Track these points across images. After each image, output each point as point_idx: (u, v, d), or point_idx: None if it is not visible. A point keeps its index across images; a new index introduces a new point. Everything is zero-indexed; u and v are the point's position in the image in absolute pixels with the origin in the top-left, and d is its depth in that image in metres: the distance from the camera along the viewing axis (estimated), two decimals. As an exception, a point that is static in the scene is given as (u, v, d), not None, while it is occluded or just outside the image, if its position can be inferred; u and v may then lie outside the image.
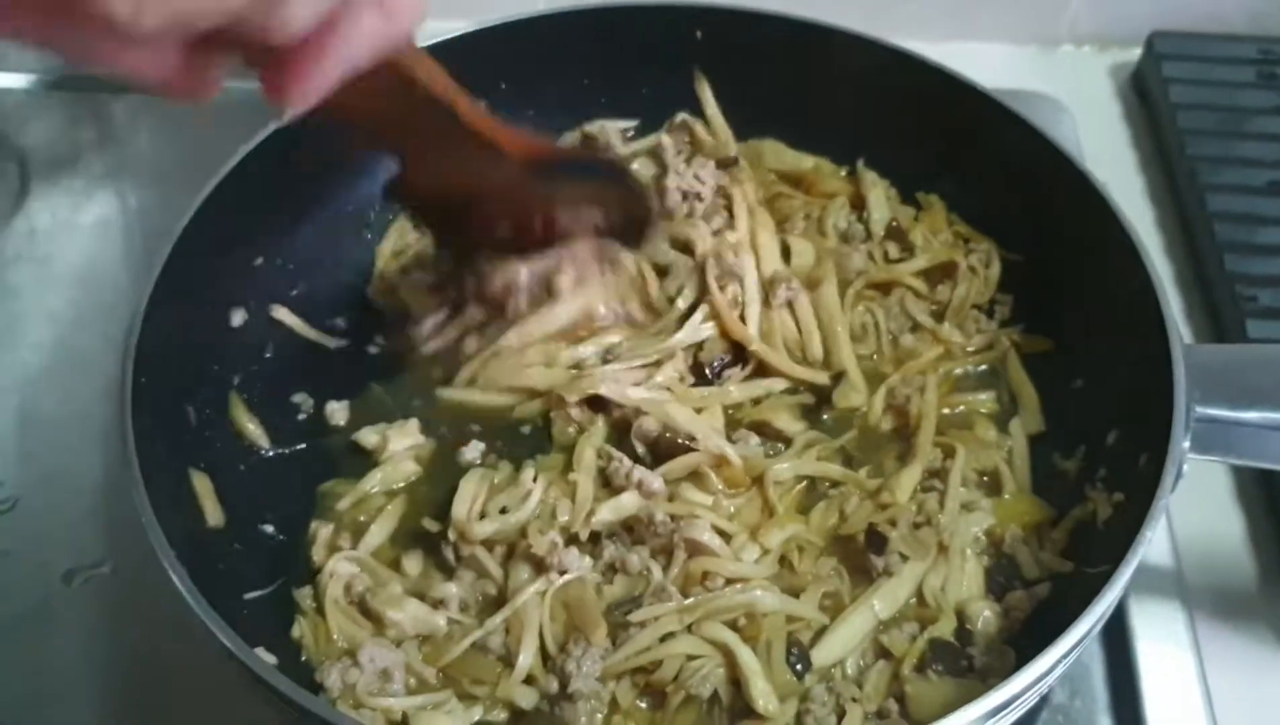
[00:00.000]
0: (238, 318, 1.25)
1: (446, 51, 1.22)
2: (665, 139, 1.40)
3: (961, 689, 1.01)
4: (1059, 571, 1.09)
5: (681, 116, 1.43)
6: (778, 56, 1.38)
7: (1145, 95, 1.71)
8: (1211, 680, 1.13)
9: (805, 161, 1.43)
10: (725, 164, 1.39)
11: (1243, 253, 1.44)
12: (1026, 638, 1.04)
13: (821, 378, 1.24)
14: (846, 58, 1.35)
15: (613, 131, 1.44)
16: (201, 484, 1.12)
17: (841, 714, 1.01)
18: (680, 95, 1.43)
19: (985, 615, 1.05)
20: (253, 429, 1.21)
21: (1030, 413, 1.22)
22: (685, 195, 1.35)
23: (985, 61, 1.40)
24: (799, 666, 1.03)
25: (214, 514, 1.12)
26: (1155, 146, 1.65)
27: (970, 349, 1.27)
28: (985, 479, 1.17)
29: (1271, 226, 1.47)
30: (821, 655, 1.04)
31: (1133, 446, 1.07)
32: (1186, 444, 0.99)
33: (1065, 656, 0.90)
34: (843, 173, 1.42)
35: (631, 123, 1.45)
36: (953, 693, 1.01)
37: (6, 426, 1.39)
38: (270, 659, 0.97)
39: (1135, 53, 1.75)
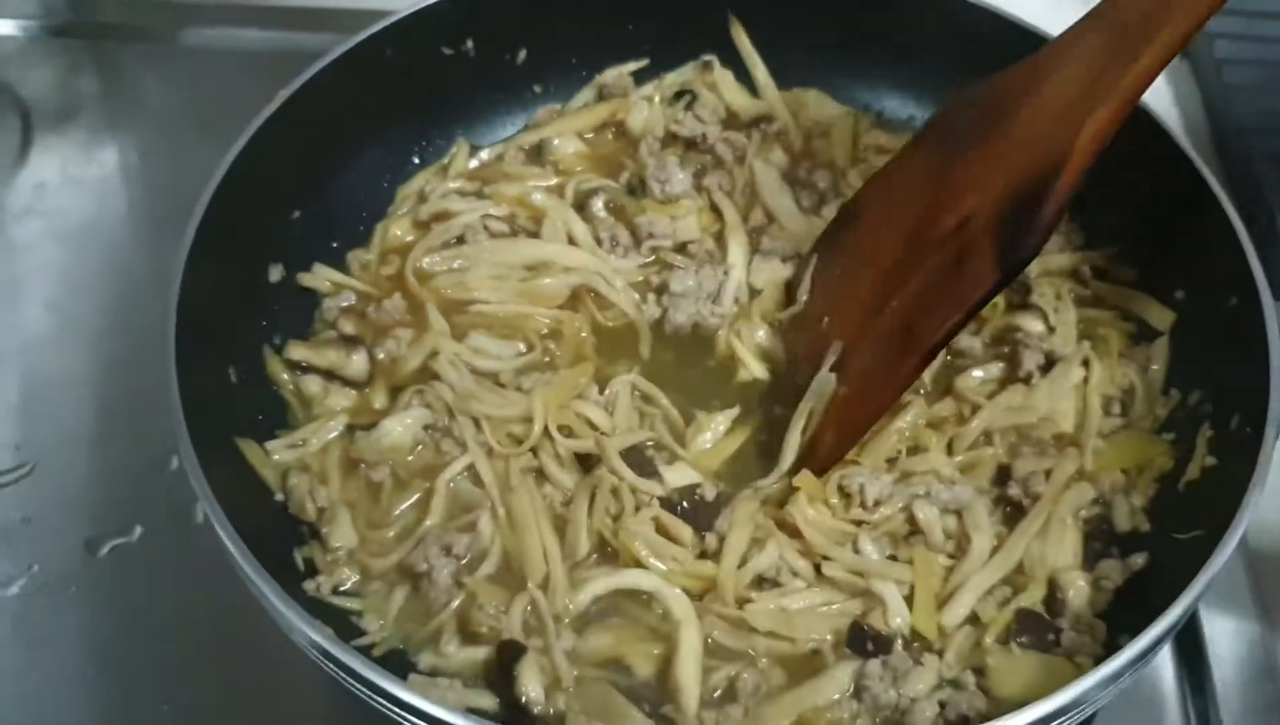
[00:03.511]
0: (275, 273, 1.19)
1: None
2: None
3: (1047, 665, 0.98)
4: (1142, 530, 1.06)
5: (706, 58, 1.38)
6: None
7: (1187, 51, 1.66)
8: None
9: (847, 115, 1.38)
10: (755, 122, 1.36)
11: (1295, 211, 1.40)
12: (1117, 615, 1.01)
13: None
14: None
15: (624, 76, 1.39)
16: (251, 451, 1.08)
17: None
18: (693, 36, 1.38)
19: (1079, 585, 1.02)
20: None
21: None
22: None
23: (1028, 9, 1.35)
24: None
25: (274, 482, 1.09)
26: (1200, 105, 1.61)
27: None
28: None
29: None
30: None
31: (1221, 409, 1.04)
32: (1284, 402, 0.96)
33: (1170, 631, 0.87)
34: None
35: (640, 63, 1.39)
36: (1037, 669, 0.98)
37: (15, 388, 1.34)
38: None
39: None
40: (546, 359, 1.19)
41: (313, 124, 1.18)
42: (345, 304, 1.22)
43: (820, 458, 1.09)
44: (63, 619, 1.16)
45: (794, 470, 1.09)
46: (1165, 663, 1.12)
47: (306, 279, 1.21)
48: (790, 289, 1.24)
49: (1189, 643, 1.12)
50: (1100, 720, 1.06)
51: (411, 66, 1.27)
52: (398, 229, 1.28)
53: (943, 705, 0.96)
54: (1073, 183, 0.96)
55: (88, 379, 1.34)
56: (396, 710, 0.84)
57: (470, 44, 1.30)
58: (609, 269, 1.24)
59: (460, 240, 1.26)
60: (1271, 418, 0.95)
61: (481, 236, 1.26)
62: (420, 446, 1.12)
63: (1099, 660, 0.85)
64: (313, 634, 0.85)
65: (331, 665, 0.86)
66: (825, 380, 1.11)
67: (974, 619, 1.01)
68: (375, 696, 0.84)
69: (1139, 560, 1.03)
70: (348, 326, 1.20)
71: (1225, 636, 1.11)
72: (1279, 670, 1.09)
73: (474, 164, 1.34)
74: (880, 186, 1.19)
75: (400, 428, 1.11)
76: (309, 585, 1.02)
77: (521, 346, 1.19)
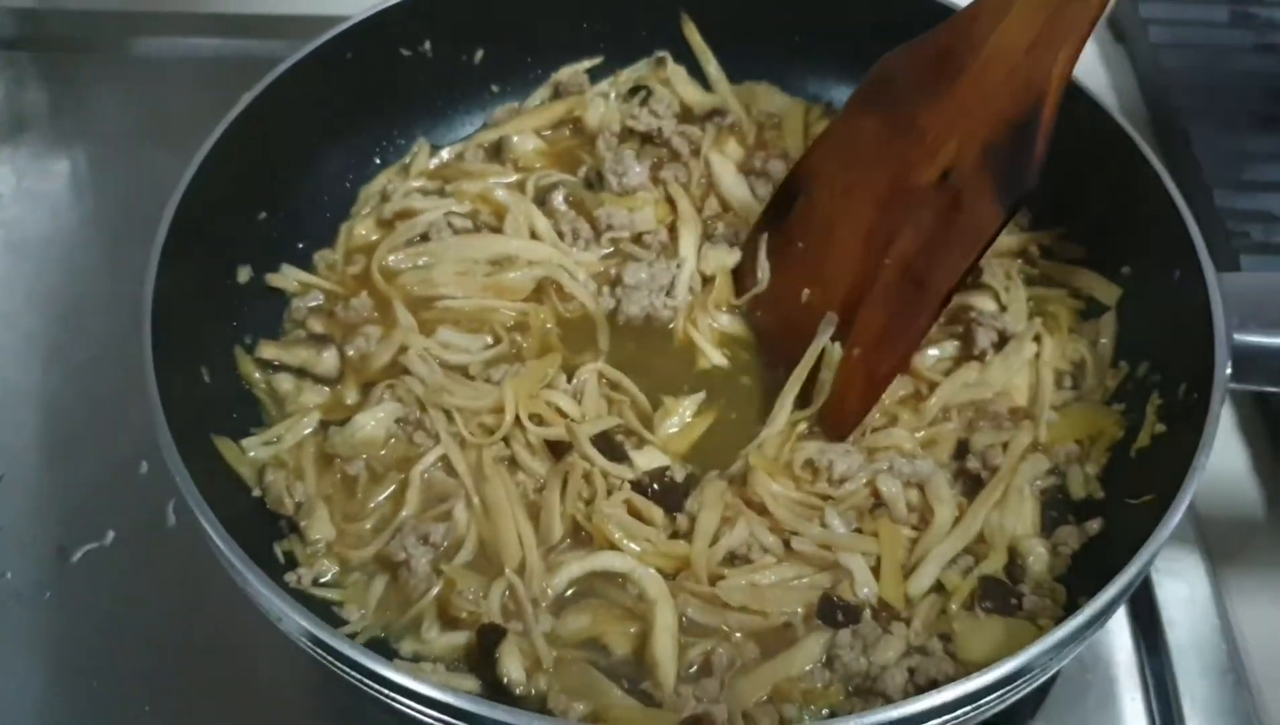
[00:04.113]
0: (243, 275, 1.20)
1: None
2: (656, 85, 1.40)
3: (1011, 628, 1.01)
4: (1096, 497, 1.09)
5: (659, 54, 1.41)
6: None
7: (1123, 37, 1.72)
8: (1231, 609, 1.15)
9: (798, 106, 1.41)
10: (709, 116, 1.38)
11: (1231, 189, 1.45)
12: (1075, 579, 1.04)
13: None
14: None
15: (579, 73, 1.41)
16: (227, 449, 1.09)
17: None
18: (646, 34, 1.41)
19: (1038, 552, 1.05)
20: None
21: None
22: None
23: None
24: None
25: (251, 478, 1.10)
26: (1137, 88, 1.66)
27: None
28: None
29: (1258, 162, 1.48)
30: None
31: (1169, 378, 1.07)
32: (1229, 370, 0.99)
33: (1125, 592, 0.90)
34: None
35: (594, 61, 1.42)
36: (1001, 632, 1.01)
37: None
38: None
39: (1110, -5, 1.75)
40: (514, 351, 1.21)
41: (276, 127, 1.19)
42: (313, 303, 1.23)
43: (847, 416, 1.13)
44: (37, 625, 1.17)
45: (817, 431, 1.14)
46: (1121, 626, 1.15)
47: (274, 280, 1.22)
48: (740, 274, 1.26)
49: (1144, 606, 1.15)
50: (1061, 683, 1.11)
51: (371, 69, 1.28)
52: (362, 228, 1.30)
53: (912, 671, 0.99)
54: (1054, 117, 1.00)
55: (49, 388, 1.34)
56: (385, 692, 0.85)
57: (428, 45, 1.32)
58: (571, 262, 1.26)
59: (424, 237, 1.28)
60: (1217, 384, 0.98)
61: (445, 233, 1.27)
62: (393, 439, 1.13)
63: (1060, 622, 0.88)
64: (301, 620, 0.86)
65: (321, 651, 0.87)
66: (830, 350, 1.14)
67: (939, 587, 1.04)
68: (364, 679, 0.85)
69: (1094, 526, 1.07)
70: (316, 325, 1.21)
71: (1178, 600, 1.15)
72: (1230, 630, 1.13)
73: (434, 163, 1.36)
74: (827, 156, 1.21)
75: (373, 422, 1.12)
76: (290, 577, 1.03)
77: (489, 339, 1.21)
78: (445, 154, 1.37)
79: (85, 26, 1.71)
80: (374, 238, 1.29)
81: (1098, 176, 1.20)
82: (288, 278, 1.23)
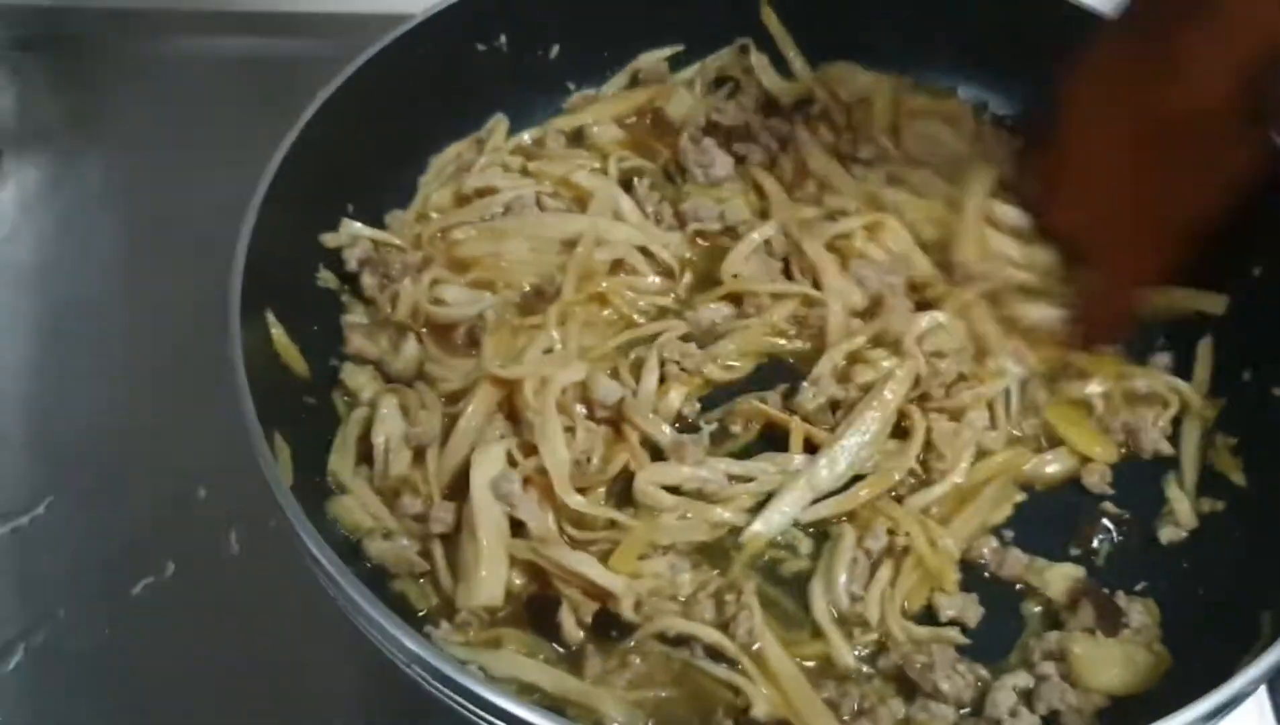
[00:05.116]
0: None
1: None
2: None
3: (1128, 653, 0.96)
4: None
5: (742, 42, 1.34)
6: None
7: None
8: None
9: (883, 81, 1.33)
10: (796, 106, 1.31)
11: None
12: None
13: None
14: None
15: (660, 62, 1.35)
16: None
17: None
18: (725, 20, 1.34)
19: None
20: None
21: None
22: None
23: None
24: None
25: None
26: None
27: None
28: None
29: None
30: None
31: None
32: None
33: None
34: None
35: (675, 49, 1.35)
36: (1119, 656, 0.96)
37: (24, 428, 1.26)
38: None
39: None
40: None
41: (348, 126, 1.12)
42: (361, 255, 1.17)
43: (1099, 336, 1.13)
44: (96, 666, 1.09)
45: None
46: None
47: (329, 239, 1.16)
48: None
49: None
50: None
51: (445, 62, 1.22)
52: (438, 198, 1.24)
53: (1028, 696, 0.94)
54: None
55: (96, 411, 1.25)
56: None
57: (503, 40, 1.25)
58: (657, 242, 1.19)
59: (507, 210, 1.22)
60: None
61: (531, 211, 1.21)
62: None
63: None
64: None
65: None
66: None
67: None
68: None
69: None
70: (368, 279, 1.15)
71: None
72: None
73: (514, 143, 1.30)
74: (1082, 86, 1.13)
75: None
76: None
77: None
78: (526, 137, 1.30)
79: (105, 26, 1.59)
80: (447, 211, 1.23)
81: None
82: (341, 235, 1.16)
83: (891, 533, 1.00)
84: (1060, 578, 1.00)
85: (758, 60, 1.33)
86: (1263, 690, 1.07)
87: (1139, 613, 0.98)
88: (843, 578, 0.98)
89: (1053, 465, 1.08)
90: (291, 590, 1.08)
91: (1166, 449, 1.08)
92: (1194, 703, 0.78)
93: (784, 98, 1.32)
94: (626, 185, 1.25)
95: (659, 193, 1.25)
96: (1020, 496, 1.06)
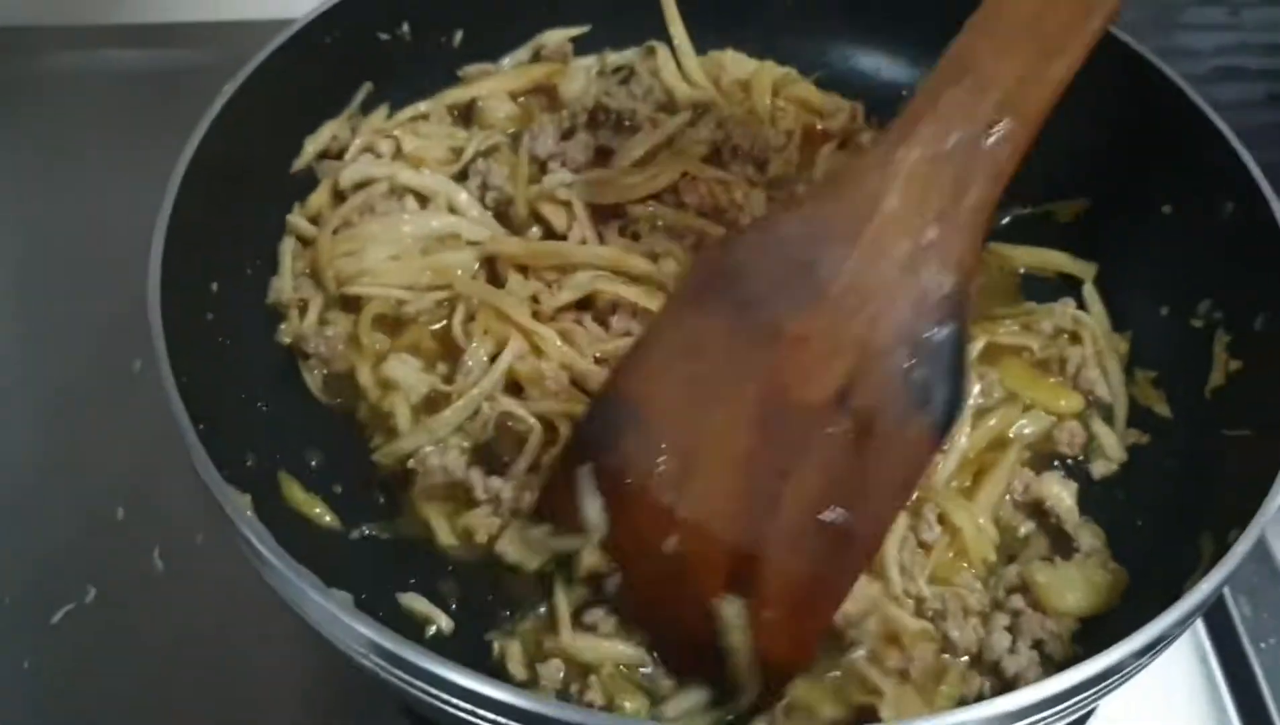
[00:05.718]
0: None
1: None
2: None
3: (1087, 575, 0.98)
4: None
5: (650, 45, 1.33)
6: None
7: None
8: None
9: (772, 72, 1.33)
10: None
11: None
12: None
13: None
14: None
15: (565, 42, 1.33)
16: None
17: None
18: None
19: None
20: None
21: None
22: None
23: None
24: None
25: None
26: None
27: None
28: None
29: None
30: None
31: (1234, 311, 1.04)
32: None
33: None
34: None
35: (581, 29, 1.33)
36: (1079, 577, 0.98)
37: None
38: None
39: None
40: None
41: (257, 118, 1.09)
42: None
43: (789, 667, 0.90)
44: (15, 698, 1.04)
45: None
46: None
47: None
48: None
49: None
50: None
51: (345, 57, 1.19)
52: (316, 198, 1.18)
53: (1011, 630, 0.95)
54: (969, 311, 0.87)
55: (5, 438, 1.21)
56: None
57: (406, 28, 1.23)
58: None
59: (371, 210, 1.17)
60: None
61: (393, 205, 1.18)
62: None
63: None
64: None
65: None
66: (728, 616, 0.88)
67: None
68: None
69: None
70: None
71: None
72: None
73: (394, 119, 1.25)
74: (658, 371, 0.92)
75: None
76: None
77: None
78: (409, 111, 1.25)
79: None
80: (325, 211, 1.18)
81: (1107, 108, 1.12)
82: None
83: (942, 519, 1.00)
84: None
85: (664, 61, 1.31)
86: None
87: (1087, 536, 1.01)
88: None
89: (1029, 427, 1.08)
90: (224, 605, 1.07)
91: (1103, 390, 1.10)
92: (1164, 612, 0.78)
93: (682, 100, 1.29)
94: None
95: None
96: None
